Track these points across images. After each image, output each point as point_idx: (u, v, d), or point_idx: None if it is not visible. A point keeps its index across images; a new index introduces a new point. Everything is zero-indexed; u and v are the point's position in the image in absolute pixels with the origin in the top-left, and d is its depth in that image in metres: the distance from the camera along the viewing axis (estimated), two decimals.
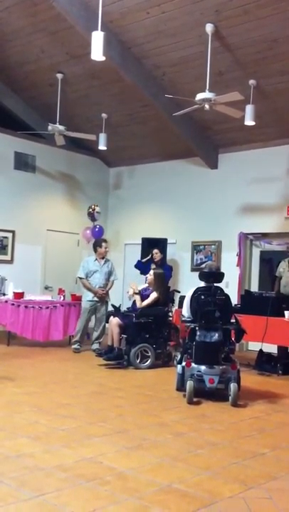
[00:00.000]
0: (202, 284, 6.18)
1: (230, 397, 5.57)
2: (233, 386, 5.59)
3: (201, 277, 6.21)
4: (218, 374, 5.78)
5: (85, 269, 9.27)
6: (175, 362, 6.50)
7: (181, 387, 5.88)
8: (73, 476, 3.32)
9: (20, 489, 3.09)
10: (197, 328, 5.95)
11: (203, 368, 5.80)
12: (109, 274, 9.37)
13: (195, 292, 6.09)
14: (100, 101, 10.34)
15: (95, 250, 9.40)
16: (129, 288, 8.36)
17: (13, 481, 3.20)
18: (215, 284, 6.13)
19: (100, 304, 9.25)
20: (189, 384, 5.61)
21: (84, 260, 9.54)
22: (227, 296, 6.11)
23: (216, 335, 5.85)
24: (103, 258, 9.38)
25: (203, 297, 6.01)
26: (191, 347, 6.01)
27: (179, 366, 6.02)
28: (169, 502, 3.02)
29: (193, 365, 5.86)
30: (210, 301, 5.98)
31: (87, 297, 9.26)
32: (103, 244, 9.42)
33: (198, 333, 5.91)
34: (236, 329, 6.21)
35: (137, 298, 8.12)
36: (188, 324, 6.10)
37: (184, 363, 5.92)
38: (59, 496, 3.02)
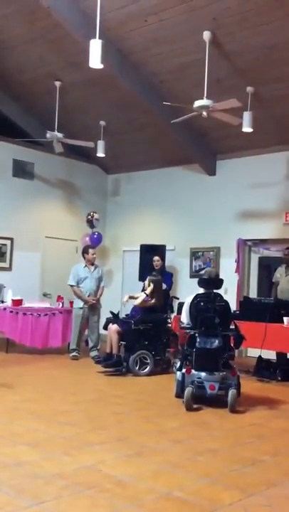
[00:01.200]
0: (201, 290, 6.19)
1: (228, 403, 5.55)
2: (231, 392, 5.58)
3: (201, 284, 6.22)
4: (218, 380, 5.77)
5: (75, 276, 9.27)
6: (174, 369, 6.49)
7: (181, 393, 5.86)
8: (72, 484, 3.31)
9: (19, 497, 3.08)
10: (197, 334, 5.94)
11: (203, 374, 5.79)
12: (100, 280, 9.37)
13: (194, 299, 6.09)
14: (98, 108, 10.37)
15: (84, 257, 9.44)
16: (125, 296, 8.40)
17: (12, 489, 3.18)
18: (214, 291, 6.14)
19: (92, 311, 9.24)
20: (188, 391, 5.60)
21: (74, 267, 9.52)
22: (226, 303, 6.12)
23: (216, 341, 5.84)
24: (92, 264, 9.40)
25: (202, 304, 6.02)
26: (191, 353, 5.99)
27: (179, 373, 6.00)
28: (168, 509, 3.01)
29: (193, 371, 5.85)
30: (209, 308, 5.98)
31: (78, 304, 9.25)
32: (90, 250, 9.44)
33: (198, 339, 5.89)
34: (235, 335, 6.21)
35: (138, 300, 8.09)
36: (187, 331, 6.10)
37: (183, 370, 5.91)
38: (58, 504, 3.01)
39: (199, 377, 5.78)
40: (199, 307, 6.02)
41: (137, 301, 8.07)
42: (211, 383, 5.73)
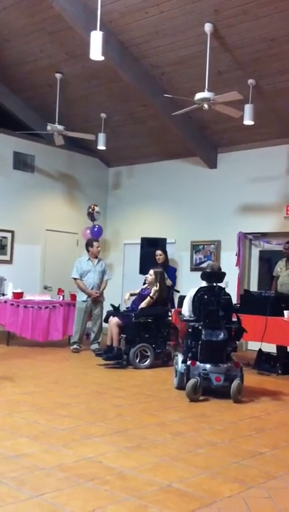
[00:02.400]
0: (204, 283, 6.23)
1: (231, 393, 5.66)
2: (237, 383, 5.70)
3: (203, 277, 6.29)
4: (223, 372, 5.87)
5: (78, 269, 9.26)
6: (175, 361, 6.51)
7: (184, 385, 5.90)
8: (73, 476, 3.32)
9: (19, 489, 3.09)
10: (200, 327, 6.00)
11: (208, 366, 5.86)
12: (103, 273, 9.36)
13: (198, 292, 6.15)
14: (98, 101, 10.33)
15: (88, 250, 9.42)
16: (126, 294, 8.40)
17: (13, 481, 3.19)
18: (217, 284, 6.22)
19: (94, 304, 9.24)
20: (191, 382, 5.66)
21: (77, 260, 9.52)
22: (230, 296, 6.21)
23: (222, 334, 5.95)
24: (96, 257, 9.39)
25: (206, 297, 6.09)
26: (195, 346, 6.04)
27: (181, 365, 6.06)
28: (168, 501, 3.02)
29: (198, 363, 5.91)
30: (213, 301, 6.05)
31: (81, 298, 9.26)
32: (94, 243, 9.41)
33: (203, 332, 5.96)
34: (237, 328, 6.26)
35: (147, 300, 8.10)
36: (191, 323, 6.12)
37: (188, 362, 5.95)
38: (58, 496, 3.02)
39: (204, 369, 5.85)
40: (204, 300, 6.07)
41: (143, 305, 8.05)
42: (216, 375, 5.81)
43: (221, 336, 5.94)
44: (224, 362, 5.95)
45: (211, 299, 6.06)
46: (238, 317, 6.34)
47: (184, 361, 6.04)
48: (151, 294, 8.07)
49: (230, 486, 3.27)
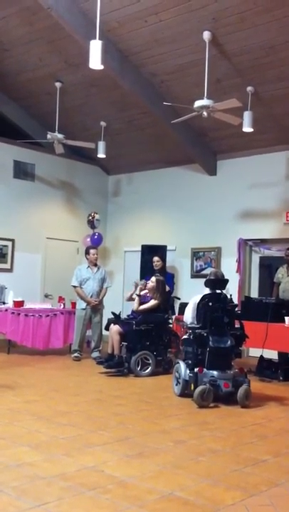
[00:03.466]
0: (207, 290, 6.27)
1: (239, 398, 5.72)
2: (245, 389, 5.78)
3: (207, 284, 6.36)
4: (231, 378, 5.91)
5: (78, 277, 9.27)
6: (175, 369, 6.50)
7: (189, 393, 5.91)
8: (74, 485, 3.31)
9: (21, 498, 3.08)
10: (205, 334, 6.05)
11: (216, 373, 5.90)
12: (103, 280, 9.36)
13: (202, 299, 6.17)
14: (98, 109, 10.37)
15: (87, 258, 9.44)
16: (134, 284, 8.31)
17: (14, 491, 3.18)
18: (222, 291, 6.32)
19: (94, 312, 9.24)
20: (198, 389, 5.68)
21: (76, 268, 9.54)
22: (235, 303, 6.37)
23: (229, 340, 6.06)
24: (95, 265, 9.39)
25: (211, 304, 6.15)
26: (202, 353, 6.06)
27: (185, 372, 6.08)
28: (170, 510, 3.01)
29: (205, 370, 5.93)
30: (217, 308, 6.14)
31: (81, 305, 9.25)
32: (91, 251, 9.43)
33: (210, 339, 6.01)
34: (240, 334, 6.30)
35: (136, 300, 8.09)
36: (198, 331, 6.12)
37: (196, 369, 5.96)
38: (60, 505, 3.00)
39: (212, 376, 5.87)
40: (209, 307, 6.12)
41: (135, 307, 8.05)
42: (224, 381, 5.85)
43: (229, 342, 6.05)
44: (230, 368, 6.04)
45: (216, 306, 6.15)
46: (242, 323, 6.39)
47: (192, 368, 6.04)
48: (151, 304, 8.04)
49: (232, 494, 3.26)
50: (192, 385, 5.90)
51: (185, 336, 6.55)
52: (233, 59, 8.10)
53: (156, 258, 9.76)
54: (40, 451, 3.99)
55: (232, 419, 5.29)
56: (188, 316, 6.33)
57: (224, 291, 6.40)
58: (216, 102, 7.44)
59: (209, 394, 5.71)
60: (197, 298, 6.29)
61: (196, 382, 5.86)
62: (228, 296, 6.39)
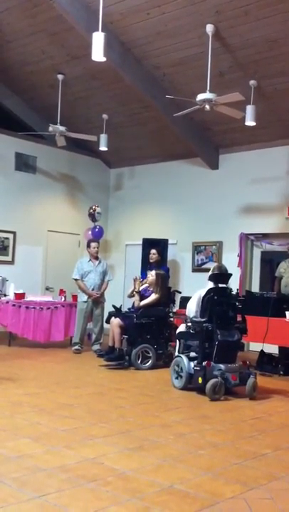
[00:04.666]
0: (210, 284, 6.33)
1: (247, 390, 5.81)
2: (253, 381, 5.85)
3: (212, 279, 6.42)
4: (238, 371, 6.00)
5: (79, 270, 9.28)
6: (175, 362, 6.51)
7: (200, 385, 5.94)
8: (74, 477, 3.32)
9: (21, 490, 3.09)
10: (211, 328, 6.09)
11: (224, 366, 5.95)
12: (104, 274, 9.37)
13: (208, 293, 6.19)
14: (100, 102, 10.34)
15: (88, 251, 9.46)
16: (132, 281, 8.31)
17: (14, 482, 3.20)
18: (226, 286, 6.43)
19: (95, 305, 9.24)
20: (210, 382, 5.73)
21: (78, 261, 9.56)
22: (242, 297, 6.49)
23: (236, 334, 6.18)
24: (97, 258, 9.40)
25: (216, 298, 6.21)
26: (209, 347, 6.10)
27: (188, 365, 6.12)
28: (170, 503, 3.02)
29: (212, 364, 5.98)
30: (222, 302, 6.23)
31: (82, 298, 9.26)
32: (92, 244, 9.45)
33: (218, 332, 6.07)
34: (242, 328, 6.35)
35: (136, 297, 8.11)
36: (205, 325, 6.14)
37: (204, 363, 5.99)
38: (60, 497, 3.02)
39: (220, 369, 5.92)
40: (215, 301, 6.18)
41: (137, 303, 8.07)
42: (232, 374, 5.92)
43: (236, 336, 6.17)
44: (236, 362, 6.13)
45: (222, 300, 6.21)
46: (244, 317, 6.43)
47: (200, 362, 6.06)
48: (152, 299, 8.05)
49: (232, 487, 3.27)
50: (200, 379, 5.93)
51: (182, 329, 6.56)
52: (236, 52, 8.07)
53: (153, 251, 9.72)
54: (40, 443, 4.01)
55: (232, 413, 5.30)
56: (192, 309, 6.36)
57: (229, 286, 6.47)
58: (218, 96, 7.42)
59: (221, 387, 5.76)
60: (202, 291, 6.32)
61: (205, 375, 5.89)
62: (234, 291, 6.49)
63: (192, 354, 6.29)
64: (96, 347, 9.12)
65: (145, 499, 3.04)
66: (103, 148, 10.65)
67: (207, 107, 7.49)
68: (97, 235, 11.05)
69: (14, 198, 10.84)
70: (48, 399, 5.54)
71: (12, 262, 10.83)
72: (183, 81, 9.00)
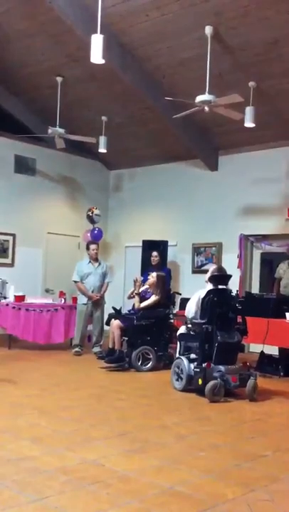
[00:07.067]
0: (210, 286, 6.33)
1: (247, 392, 5.78)
2: (253, 382, 5.82)
3: (213, 280, 6.42)
4: (238, 372, 5.98)
5: (79, 272, 9.28)
6: (176, 364, 6.51)
7: (200, 387, 5.93)
8: (75, 479, 3.32)
9: (21, 492, 3.08)
10: (211, 329, 6.08)
11: (224, 367, 5.94)
12: (104, 275, 9.36)
13: (208, 294, 6.19)
14: (99, 104, 10.34)
15: (88, 253, 9.46)
16: (134, 281, 8.31)
17: (15, 484, 3.19)
18: (226, 287, 6.43)
19: (95, 307, 9.24)
20: (210, 384, 5.72)
21: (78, 263, 9.55)
22: (242, 299, 6.40)
23: (236, 336, 6.18)
24: (97, 260, 9.39)
25: (216, 299, 6.21)
26: (209, 348, 6.10)
27: (189, 367, 6.11)
28: (171, 505, 3.01)
29: (212, 365, 5.97)
30: (222, 303, 6.22)
31: (82, 300, 9.25)
32: (91, 246, 9.45)
33: (218, 334, 6.07)
34: (242, 329, 6.35)
35: (136, 299, 8.11)
36: (205, 326, 6.13)
37: (204, 364, 5.99)
38: (61, 499, 3.01)
39: (220, 371, 5.91)
40: (215, 303, 6.17)
41: (137, 305, 8.07)
42: (232, 375, 5.91)
43: (236, 337, 6.17)
44: (236, 363, 6.12)
45: (222, 302, 6.21)
46: (244, 318, 6.42)
47: (200, 363, 6.06)
48: (152, 300, 8.04)
49: (232, 489, 3.26)
50: (200, 380, 5.92)
51: (182, 331, 6.57)
52: (235, 54, 8.07)
53: (154, 253, 9.81)
54: (41, 445, 4.00)
55: (233, 415, 5.29)
56: (191, 309, 6.34)
57: (228, 288, 6.46)
58: (217, 97, 7.42)
59: (221, 389, 5.75)
60: (202, 292, 6.31)
61: (205, 377, 5.88)
62: (234, 292, 6.48)
63: (192, 356, 6.29)
64: (96, 349, 9.11)
65: (146, 501, 3.04)
66: (102, 150, 10.64)
67: (206, 108, 7.49)
68: (96, 237, 11.04)
69: (14, 200, 10.84)
70: (49, 401, 5.54)
71: (12, 265, 10.82)
72: (182, 82, 9.00)
